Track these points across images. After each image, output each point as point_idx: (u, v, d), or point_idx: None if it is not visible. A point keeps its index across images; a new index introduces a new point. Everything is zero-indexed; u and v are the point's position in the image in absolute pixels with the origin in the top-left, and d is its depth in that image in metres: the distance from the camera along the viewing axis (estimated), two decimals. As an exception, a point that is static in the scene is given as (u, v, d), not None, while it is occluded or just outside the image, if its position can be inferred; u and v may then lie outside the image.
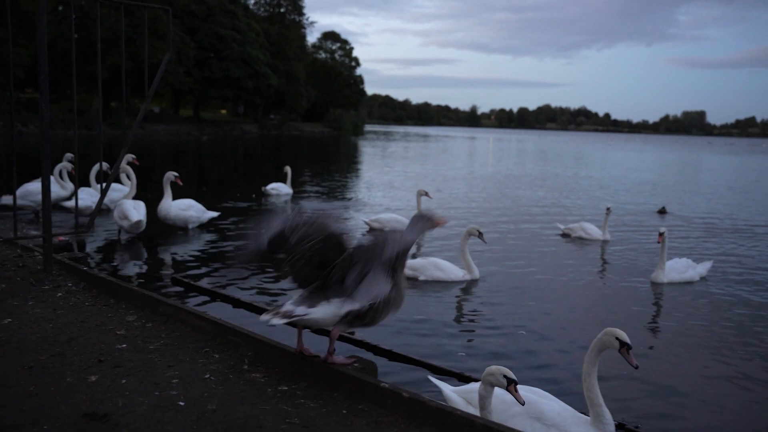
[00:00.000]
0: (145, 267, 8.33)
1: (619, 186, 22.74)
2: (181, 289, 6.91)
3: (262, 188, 15.56)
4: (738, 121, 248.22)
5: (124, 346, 3.46)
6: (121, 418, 2.61)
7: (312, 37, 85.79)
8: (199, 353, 3.39)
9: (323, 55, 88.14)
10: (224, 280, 7.42)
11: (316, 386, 2.94)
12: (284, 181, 15.89)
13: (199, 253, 8.98)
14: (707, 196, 20.58)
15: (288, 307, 1.83)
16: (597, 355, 3.90)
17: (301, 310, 1.76)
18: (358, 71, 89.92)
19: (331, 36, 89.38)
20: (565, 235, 11.39)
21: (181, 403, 2.78)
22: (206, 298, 6.57)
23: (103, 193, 5.56)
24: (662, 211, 15.18)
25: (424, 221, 2.54)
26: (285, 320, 1.95)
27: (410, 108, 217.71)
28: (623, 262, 9.54)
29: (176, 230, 10.29)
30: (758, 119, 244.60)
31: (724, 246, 11.08)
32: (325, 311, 1.76)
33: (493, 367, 3.43)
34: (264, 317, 2.14)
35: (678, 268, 8.18)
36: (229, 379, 3.07)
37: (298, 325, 1.94)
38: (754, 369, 5.48)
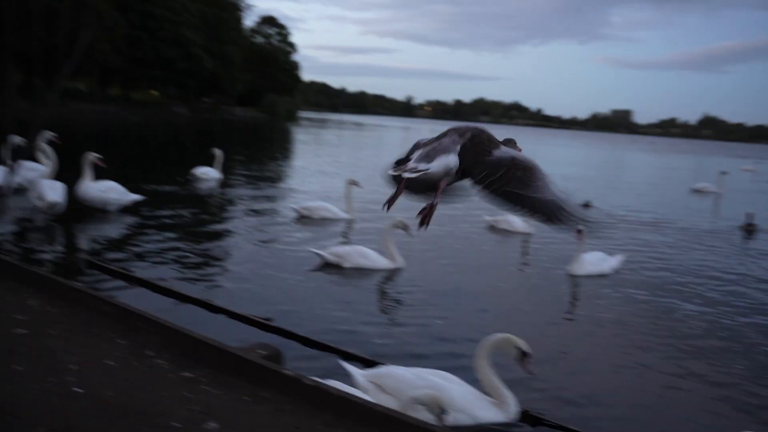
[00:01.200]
0: (60, 250, 8.03)
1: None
2: (96, 273, 6.69)
3: (191, 172, 15.17)
4: (661, 121, 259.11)
5: (23, 331, 3.33)
6: (9, 406, 2.51)
7: (249, 21, 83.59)
8: (103, 339, 3.30)
9: (260, 40, 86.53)
10: (141, 265, 7.24)
11: (221, 373, 2.91)
12: (214, 165, 15.54)
13: (117, 237, 8.71)
14: (628, 191, 21.41)
15: (413, 164, 1.98)
16: (489, 355, 3.98)
17: (423, 166, 1.98)
18: (295, 57, 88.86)
19: (268, 20, 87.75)
20: (491, 227, 11.62)
21: (78, 390, 2.70)
22: (121, 283, 6.39)
23: (11, 169, 5.32)
24: (587, 205, 15.67)
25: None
26: (414, 174, 2.09)
27: (346, 96, 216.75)
28: (544, 254, 9.82)
29: (96, 213, 9.93)
30: (679, 120, 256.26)
31: (637, 239, 11.57)
32: (439, 165, 1.99)
33: (432, 395, 3.43)
34: (391, 172, 2.16)
35: (593, 261, 8.49)
36: (131, 366, 3.00)
37: (410, 180, 2.09)
38: (661, 359, 5.76)
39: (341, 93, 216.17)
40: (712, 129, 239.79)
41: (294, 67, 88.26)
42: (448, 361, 5.12)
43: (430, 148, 2.17)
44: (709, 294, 8.06)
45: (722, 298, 7.95)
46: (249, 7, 76.32)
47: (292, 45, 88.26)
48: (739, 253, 11.48)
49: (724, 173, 23.82)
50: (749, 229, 13.66)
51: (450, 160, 2.15)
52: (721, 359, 5.83)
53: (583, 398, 4.79)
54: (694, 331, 6.59)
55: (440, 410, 3.35)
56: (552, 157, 42.66)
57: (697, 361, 5.73)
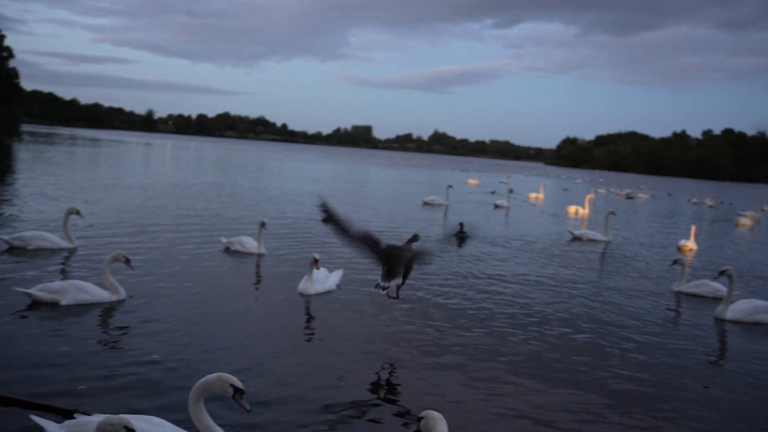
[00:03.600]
0: None
1: (287, 197, 23.80)
2: None
3: None
4: (398, 137, 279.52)
5: None
6: None
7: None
8: None
9: (-37, 41, 75.55)
10: None
11: None
12: None
13: None
14: (364, 206, 22.72)
15: (383, 283, 3.24)
16: (202, 395, 3.99)
17: (387, 284, 3.16)
18: (12, 63, 79.23)
19: (-24, 19, 77.20)
20: (226, 249, 11.56)
21: None
22: None
23: None
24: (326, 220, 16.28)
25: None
26: (386, 291, 3.45)
27: (78, 108, 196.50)
28: (276, 275, 10.01)
29: None
30: (414, 136, 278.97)
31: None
32: (395, 283, 3.35)
33: (114, 417, 3.31)
34: (375, 289, 4.24)
35: (320, 279, 8.91)
36: None
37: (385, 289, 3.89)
38: (395, 363, 6.22)
39: (72, 105, 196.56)
40: (441, 144, 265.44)
41: (12, 74, 78.67)
42: (173, 403, 4.90)
43: (387, 270, 3.62)
44: (432, 293, 8.95)
45: (439, 292, 8.91)
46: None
47: (8, 49, 78.63)
48: (452, 257, 12.85)
49: (450, 187, 26.62)
50: (461, 237, 15.53)
51: (398, 281, 3.75)
52: (458, 346, 6.49)
53: (324, 423, 4.92)
54: (424, 333, 7.27)
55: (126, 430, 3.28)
56: (298, 174, 43.68)
57: (439, 356, 6.31)
